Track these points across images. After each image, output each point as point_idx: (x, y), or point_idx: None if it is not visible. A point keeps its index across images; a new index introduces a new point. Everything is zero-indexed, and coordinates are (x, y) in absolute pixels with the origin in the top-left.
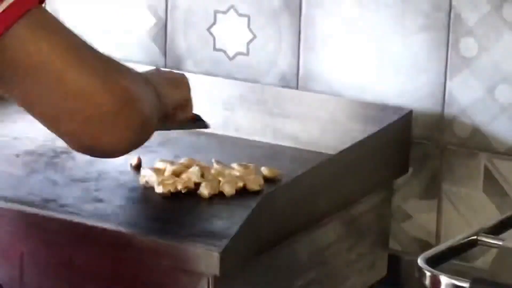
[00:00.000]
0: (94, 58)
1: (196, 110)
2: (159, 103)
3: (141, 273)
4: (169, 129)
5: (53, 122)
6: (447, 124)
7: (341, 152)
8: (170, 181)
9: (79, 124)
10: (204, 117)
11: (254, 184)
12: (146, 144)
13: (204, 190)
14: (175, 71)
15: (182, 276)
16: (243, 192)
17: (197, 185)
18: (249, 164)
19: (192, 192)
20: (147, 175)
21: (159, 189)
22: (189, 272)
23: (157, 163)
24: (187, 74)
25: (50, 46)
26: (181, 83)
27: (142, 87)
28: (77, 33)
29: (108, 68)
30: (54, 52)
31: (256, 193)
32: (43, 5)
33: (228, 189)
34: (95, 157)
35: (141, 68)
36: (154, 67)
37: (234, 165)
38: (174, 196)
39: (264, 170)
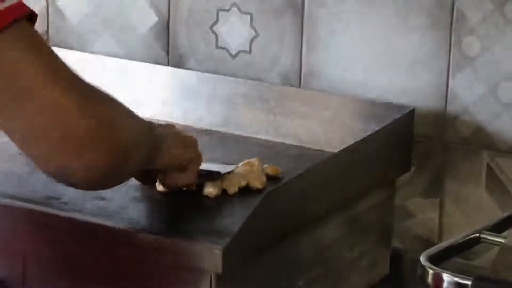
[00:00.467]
0: (76, 80)
1: (198, 107)
2: (149, 142)
3: (143, 270)
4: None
5: (24, 140)
6: (450, 122)
7: (343, 150)
8: None
9: (50, 145)
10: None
11: (257, 182)
12: None
13: (209, 189)
14: (187, 133)
15: (184, 274)
16: (245, 190)
17: (199, 185)
18: (254, 160)
19: (194, 191)
20: None
21: (160, 187)
22: (191, 269)
23: None
24: (189, 72)
25: (32, 59)
26: (190, 144)
27: (125, 118)
28: (62, 57)
29: (89, 92)
30: (35, 66)
31: (258, 191)
32: (34, 23)
33: (231, 188)
34: (67, 185)
35: (144, 66)
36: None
37: (239, 165)
38: (176, 194)
39: (267, 168)
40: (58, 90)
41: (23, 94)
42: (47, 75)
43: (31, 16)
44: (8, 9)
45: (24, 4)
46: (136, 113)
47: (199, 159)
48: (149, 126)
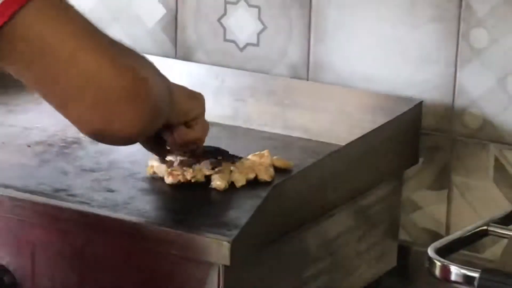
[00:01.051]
0: (106, 41)
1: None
2: (169, 98)
3: (151, 262)
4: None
5: (63, 105)
6: (458, 115)
7: (351, 143)
8: (179, 172)
9: (89, 107)
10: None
11: (265, 175)
12: None
13: (217, 182)
14: (195, 90)
15: (192, 266)
16: (253, 183)
17: (208, 177)
18: (262, 153)
19: (202, 183)
20: (155, 166)
21: (168, 180)
22: (199, 261)
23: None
24: (197, 65)
25: (60, 27)
26: (197, 98)
27: (153, 75)
28: (88, 18)
29: (120, 52)
30: (65, 33)
31: (266, 183)
32: None
33: (239, 181)
34: (105, 143)
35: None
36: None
37: (248, 157)
38: (184, 187)
39: (275, 161)
40: (92, 53)
41: (57, 63)
42: (80, 40)
43: None
44: None
45: None
46: (158, 69)
47: (204, 118)
48: (168, 82)
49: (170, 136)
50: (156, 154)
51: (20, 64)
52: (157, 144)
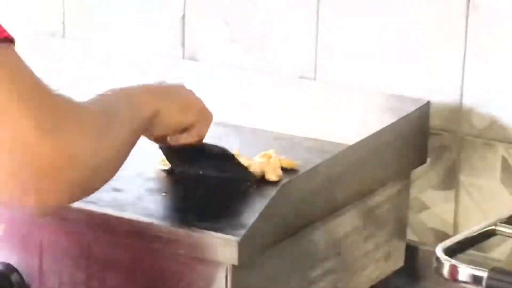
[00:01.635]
0: (44, 108)
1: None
2: (134, 135)
3: (159, 262)
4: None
5: None
6: (465, 115)
7: (358, 142)
8: None
9: (7, 175)
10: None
11: (273, 174)
12: None
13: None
14: (192, 96)
15: (200, 265)
16: (261, 182)
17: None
18: (270, 152)
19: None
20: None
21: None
22: (207, 261)
23: None
24: (204, 66)
25: (2, 82)
26: (191, 108)
27: (89, 142)
28: (30, 73)
29: (54, 121)
30: (4, 89)
31: (274, 183)
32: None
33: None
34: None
35: (159, 58)
36: (180, 84)
37: (256, 158)
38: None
39: (282, 161)
40: (23, 121)
41: None
42: (16, 103)
43: (6, 40)
44: None
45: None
46: (115, 113)
47: (201, 122)
48: (132, 120)
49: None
50: (155, 142)
51: None
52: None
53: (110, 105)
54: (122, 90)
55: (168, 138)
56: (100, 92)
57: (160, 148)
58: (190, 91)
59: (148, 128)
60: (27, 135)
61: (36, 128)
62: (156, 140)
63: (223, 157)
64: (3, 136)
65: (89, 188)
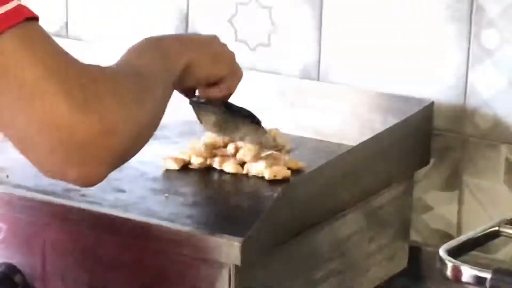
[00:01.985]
0: (77, 83)
1: None
2: (167, 91)
3: (162, 262)
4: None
5: (22, 144)
6: (469, 116)
7: (362, 143)
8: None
9: (48, 152)
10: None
11: (279, 175)
12: (166, 134)
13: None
14: (225, 47)
15: (203, 266)
16: (266, 183)
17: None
18: (276, 153)
19: (212, 183)
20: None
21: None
22: (210, 262)
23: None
24: None
25: (31, 62)
26: (223, 60)
27: (127, 109)
28: (65, 53)
29: (91, 94)
30: (33, 68)
31: (278, 184)
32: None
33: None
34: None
35: None
36: (213, 35)
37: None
38: (195, 187)
39: (287, 162)
40: (56, 98)
41: (24, 99)
42: (47, 81)
43: (32, 18)
44: (7, 13)
45: (22, 9)
46: (154, 78)
47: (232, 75)
48: (166, 74)
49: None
50: (184, 95)
51: None
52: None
53: (143, 62)
54: (155, 41)
55: (197, 91)
56: (133, 45)
57: (190, 103)
58: (224, 43)
59: (179, 80)
60: (63, 112)
61: (70, 104)
62: (185, 92)
63: (250, 121)
64: (39, 113)
65: (129, 155)
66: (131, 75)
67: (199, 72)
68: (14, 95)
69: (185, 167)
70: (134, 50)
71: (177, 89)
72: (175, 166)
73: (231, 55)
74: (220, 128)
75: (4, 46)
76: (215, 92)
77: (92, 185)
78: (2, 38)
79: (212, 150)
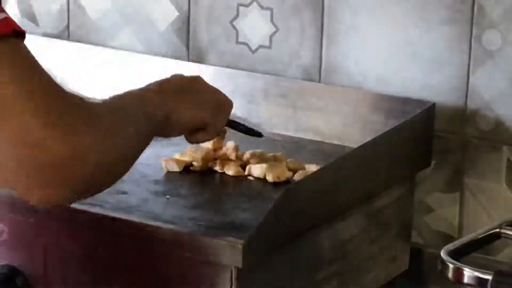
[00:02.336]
0: (53, 103)
1: None
2: (148, 137)
3: (164, 265)
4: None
5: None
6: (470, 117)
7: (363, 145)
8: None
9: (13, 171)
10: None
11: (282, 177)
12: None
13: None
14: (209, 89)
15: (205, 268)
16: (268, 184)
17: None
18: (278, 155)
19: (214, 185)
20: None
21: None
22: (212, 264)
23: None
24: (209, 67)
25: (10, 78)
26: (205, 105)
27: (99, 139)
28: (48, 74)
29: (63, 116)
30: (11, 85)
31: (279, 185)
32: (23, 39)
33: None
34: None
35: (164, 61)
36: (196, 75)
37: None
38: (197, 189)
39: (289, 163)
40: (31, 117)
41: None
42: (23, 99)
43: (18, 33)
44: None
45: (10, 21)
46: (133, 119)
47: (217, 116)
48: (142, 117)
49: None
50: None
51: None
52: None
53: (122, 107)
54: (135, 93)
55: (185, 138)
56: (114, 95)
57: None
58: (205, 83)
59: (164, 131)
60: (34, 131)
61: (43, 124)
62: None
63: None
64: (11, 130)
65: (93, 187)
66: (108, 112)
67: (181, 120)
68: None
69: (187, 169)
70: (115, 98)
71: (165, 138)
72: (176, 168)
73: (214, 95)
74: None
75: None
76: (204, 137)
77: (57, 206)
78: None
79: (212, 153)
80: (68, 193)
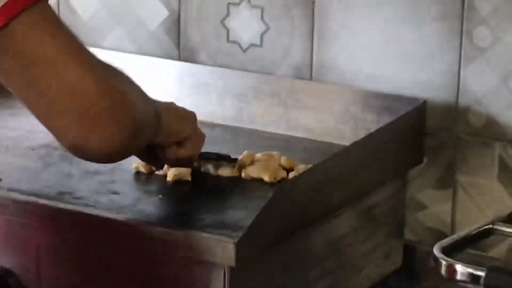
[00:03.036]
0: (95, 61)
1: (210, 101)
2: (155, 123)
3: (156, 264)
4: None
5: (46, 117)
6: (462, 114)
7: (355, 142)
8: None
9: (70, 121)
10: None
11: (275, 175)
12: None
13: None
14: (187, 109)
15: (197, 267)
16: (260, 183)
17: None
18: (273, 153)
19: (207, 185)
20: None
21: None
22: (205, 263)
23: None
24: (200, 66)
25: (53, 40)
26: (187, 118)
27: (138, 99)
28: (78, 38)
29: (108, 72)
30: (57, 47)
31: (271, 184)
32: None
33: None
34: (84, 159)
35: (155, 60)
36: (170, 102)
37: (258, 155)
38: (189, 188)
39: (284, 162)
40: (78, 71)
41: (45, 75)
42: (71, 55)
43: None
44: None
45: None
46: (145, 93)
47: (196, 135)
48: (154, 104)
49: (162, 153)
50: (153, 166)
51: (9, 73)
52: (152, 156)
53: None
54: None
55: (166, 151)
56: None
57: None
58: (182, 107)
59: (152, 124)
60: (88, 82)
61: (95, 76)
62: (152, 161)
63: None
64: (62, 86)
65: (136, 141)
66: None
67: (168, 128)
68: (42, 69)
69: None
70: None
71: (143, 157)
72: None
73: (193, 115)
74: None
75: (23, 24)
76: (183, 153)
77: (110, 154)
78: (20, 17)
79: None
80: (121, 136)
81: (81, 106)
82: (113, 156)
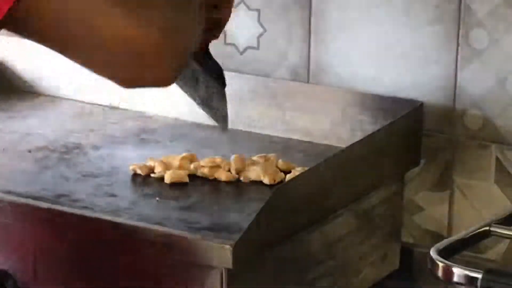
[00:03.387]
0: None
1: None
2: (201, 12)
3: (153, 267)
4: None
5: (94, 65)
6: (458, 116)
7: (352, 145)
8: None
9: (121, 66)
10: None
11: (273, 177)
12: (157, 139)
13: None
14: None
15: (195, 270)
16: (257, 185)
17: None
18: (269, 155)
19: (204, 187)
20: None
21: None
22: (201, 265)
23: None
24: None
25: None
26: None
27: (183, 14)
28: None
29: (145, 7)
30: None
31: (268, 186)
32: None
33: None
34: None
35: None
36: None
37: (255, 158)
38: (186, 191)
39: (280, 164)
40: (118, 17)
41: (89, 25)
42: (105, 4)
43: None
44: None
45: None
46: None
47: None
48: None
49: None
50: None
51: (49, 26)
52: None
53: None
54: None
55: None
56: None
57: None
58: None
59: None
60: (133, 33)
61: (137, 23)
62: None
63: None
64: (111, 34)
65: (187, 59)
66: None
67: None
68: (82, 20)
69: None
70: None
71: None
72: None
73: None
74: (184, 81)
75: None
76: (216, 14)
77: (167, 84)
78: None
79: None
80: (172, 68)
81: (127, 52)
82: (171, 82)
